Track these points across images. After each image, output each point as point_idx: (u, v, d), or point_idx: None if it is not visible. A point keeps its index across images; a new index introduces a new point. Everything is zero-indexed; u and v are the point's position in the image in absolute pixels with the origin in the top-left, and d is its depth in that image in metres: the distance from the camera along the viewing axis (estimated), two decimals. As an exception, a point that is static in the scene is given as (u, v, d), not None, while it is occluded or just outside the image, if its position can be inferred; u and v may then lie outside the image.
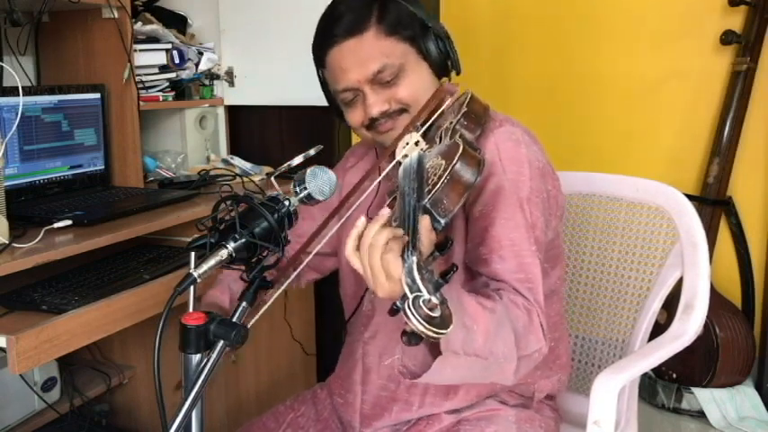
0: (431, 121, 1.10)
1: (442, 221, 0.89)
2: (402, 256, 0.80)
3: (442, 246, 0.85)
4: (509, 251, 1.07)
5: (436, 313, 0.74)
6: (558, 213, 1.20)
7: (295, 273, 1.05)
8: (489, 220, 1.08)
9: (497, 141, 1.12)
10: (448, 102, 1.12)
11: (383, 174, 1.07)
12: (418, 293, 0.75)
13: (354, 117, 1.19)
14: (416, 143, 1.07)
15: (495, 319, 0.95)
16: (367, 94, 1.15)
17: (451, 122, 1.08)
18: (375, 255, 0.85)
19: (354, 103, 1.18)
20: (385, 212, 0.89)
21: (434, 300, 0.74)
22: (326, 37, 1.16)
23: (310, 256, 1.07)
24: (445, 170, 0.90)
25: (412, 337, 0.79)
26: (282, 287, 1.02)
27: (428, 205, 0.87)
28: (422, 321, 0.73)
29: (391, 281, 0.84)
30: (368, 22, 1.13)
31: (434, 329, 0.74)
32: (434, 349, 0.91)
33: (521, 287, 1.05)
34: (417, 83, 1.16)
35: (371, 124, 1.17)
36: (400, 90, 1.15)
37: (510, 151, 1.11)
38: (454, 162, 0.90)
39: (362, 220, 0.90)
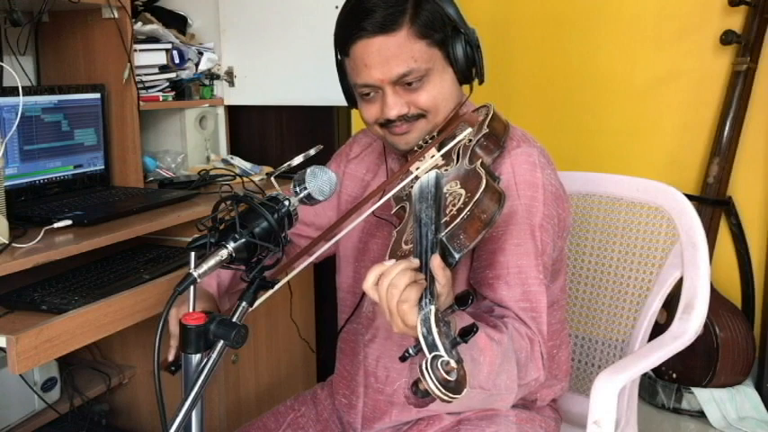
0: (453, 143, 1.05)
1: (457, 256, 0.86)
2: (419, 303, 0.78)
3: (463, 300, 0.82)
4: (516, 278, 1.06)
5: (452, 377, 0.71)
6: (564, 234, 1.20)
7: (291, 275, 1.04)
8: (499, 243, 1.07)
9: (514, 164, 1.10)
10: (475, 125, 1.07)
11: (397, 188, 1.04)
12: (437, 353, 0.72)
13: (370, 113, 1.16)
14: (432, 157, 1.04)
15: (500, 352, 0.95)
16: (387, 94, 1.11)
17: (471, 141, 1.04)
18: (393, 298, 0.82)
19: (372, 100, 1.15)
20: (414, 263, 0.85)
21: (452, 363, 0.71)
22: (354, 28, 1.10)
23: (309, 260, 1.06)
24: (465, 204, 0.87)
25: (421, 393, 0.75)
26: (282, 283, 1.00)
27: (444, 239, 0.85)
28: (437, 385, 0.71)
29: (408, 328, 0.82)
30: (401, 21, 1.08)
31: (449, 394, 0.71)
32: None
33: (525, 316, 1.05)
34: (439, 89, 1.13)
35: (386, 124, 1.14)
36: (422, 96, 1.12)
37: (526, 175, 1.10)
38: (477, 197, 0.87)
39: (389, 262, 0.87)
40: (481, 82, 1.19)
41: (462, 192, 0.90)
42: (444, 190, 0.92)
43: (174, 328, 1.12)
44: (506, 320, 1.03)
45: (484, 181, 0.89)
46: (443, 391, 0.71)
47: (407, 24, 1.09)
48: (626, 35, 2.39)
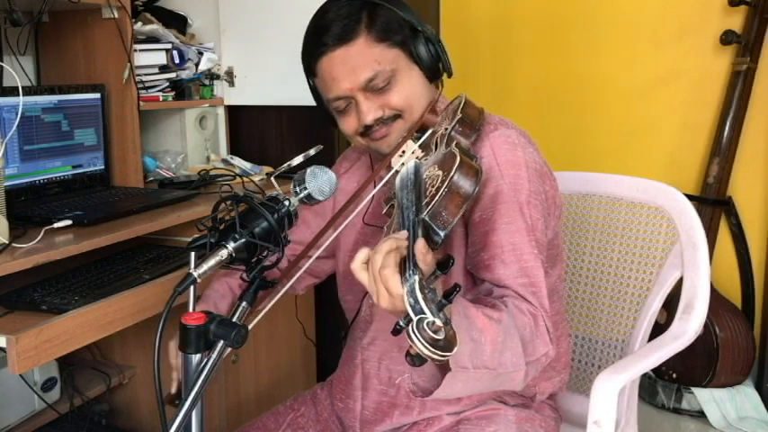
0: (428, 134, 1.09)
1: (442, 234, 0.88)
2: (403, 274, 0.79)
3: (444, 264, 0.84)
4: (511, 256, 1.06)
5: (440, 335, 0.73)
6: (556, 213, 1.20)
7: (293, 279, 1.05)
8: (489, 225, 1.08)
9: (493, 145, 1.12)
10: (443, 108, 1.11)
11: (380, 185, 1.07)
12: (422, 315, 0.73)
13: (348, 125, 1.18)
14: (413, 152, 1.07)
15: (502, 330, 0.95)
16: (360, 101, 1.14)
17: (447, 129, 1.07)
18: (375, 265, 0.84)
19: (348, 111, 1.17)
20: (403, 235, 0.87)
21: (438, 322, 0.73)
22: (316, 46, 1.14)
23: (309, 262, 1.07)
24: (443, 182, 0.89)
25: (416, 359, 0.77)
26: (280, 293, 1.02)
27: (427, 218, 0.87)
28: (426, 345, 0.72)
29: (392, 296, 0.83)
30: (357, 30, 1.12)
31: (439, 352, 0.73)
32: (443, 364, 0.91)
33: (525, 292, 1.05)
34: (410, 88, 1.15)
35: (366, 131, 1.16)
36: (393, 96, 1.14)
37: (507, 155, 1.11)
38: (452, 174, 0.90)
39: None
40: (450, 75, 1.20)
41: (440, 173, 0.92)
42: (424, 176, 0.93)
43: (174, 361, 1.13)
44: (506, 300, 1.03)
45: (458, 158, 0.92)
46: (432, 350, 0.72)
47: (364, 32, 1.12)
48: (626, 35, 2.39)
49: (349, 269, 1.30)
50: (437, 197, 0.88)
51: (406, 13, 1.16)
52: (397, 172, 1.02)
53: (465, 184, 0.90)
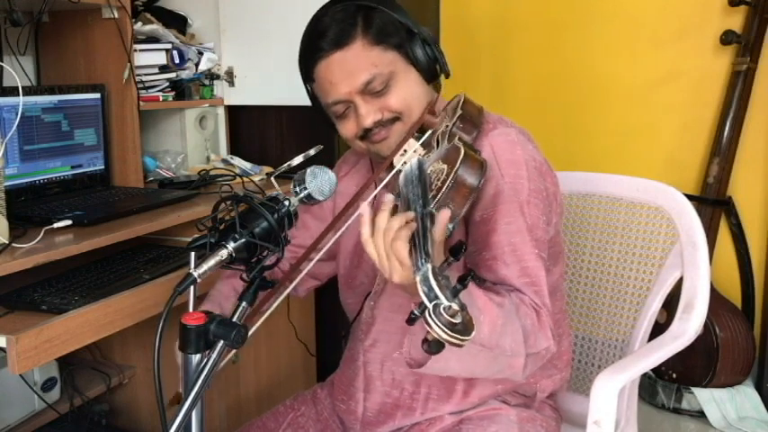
0: (429, 133, 1.09)
1: (450, 226, 0.89)
2: (416, 263, 0.79)
3: (457, 250, 0.85)
4: (511, 256, 1.07)
5: (458, 319, 0.73)
6: (558, 210, 1.20)
7: (294, 282, 1.05)
8: (490, 224, 1.08)
9: (493, 144, 1.12)
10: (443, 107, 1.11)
11: (382, 184, 1.07)
12: (437, 301, 0.74)
13: (347, 129, 1.18)
14: (415, 150, 1.07)
15: (502, 313, 0.96)
16: (358, 105, 1.14)
17: (447, 126, 1.07)
18: (389, 239, 0.86)
19: (346, 115, 1.17)
20: (389, 198, 0.89)
21: (455, 306, 0.73)
22: (313, 51, 1.14)
23: (310, 265, 1.07)
24: (448, 174, 0.90)
25: (433, 345, 0.77)
26: (282, 296, 1.02)
27: (434, 211, 0.87)
28: (444, 329, 0.72)
29: (406, 267, 0.85)
30: (353, 33, 1.12)
31: (458, 336, 0.73)
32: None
33: (527, 290, 1.06)
34: (408, 90, 1.15)
35: (365, 135, 1.16)
36: (392, 98, 1.14)
37: (506, 153, 1.11)
38: (457, 166, 0.90)
39: (365, 207, 0.90)
40: (447, 76, 1.20)
41: (444, 166, 0.92)
42: (428, 171, 0.94)
43: (180, 360, 1.12)
44: (510, 292, 1.05)
45: (462, 150, 0.92)
46: (451, 333, 0.72)
47: (360, 35, 1.12)
48: (626, 35, 2.39)
49: (350, 272, 1.31)
50: (443, 190, 0.89)
51: (402, 15, 1.15)
52: (399, 171, 1.02)
53: (470, 176, 0.91)
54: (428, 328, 0.73)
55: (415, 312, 0.77)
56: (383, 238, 0.87)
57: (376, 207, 1.11)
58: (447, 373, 1.13)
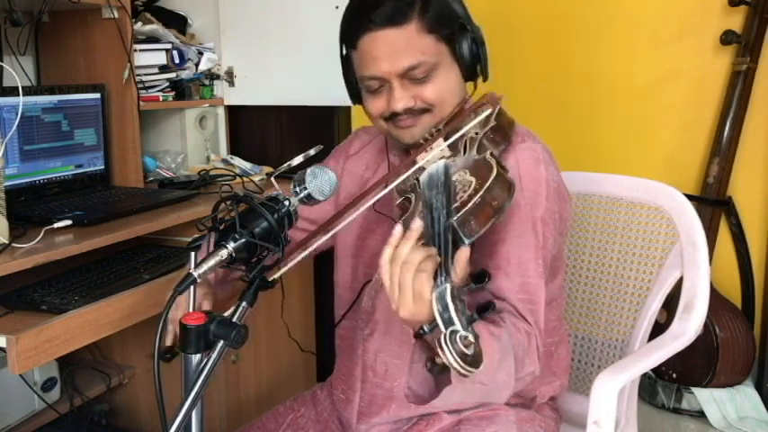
0: (460, 133, 1.06)
1: (467, 242, 0.87)
2: (435, 279, 0.78)
3: (480, 278, 0.83)
4: (515, 270, 1.06)
5: (470, 351, 0.72)
6: (564, 233, 1.20)
7: (290, 265, 1.03)
8: (501, 235, 1.07)
9: (518, 158, 1.10)
10: (483, 114, 1.08)
11: (402, 177, 1.04)
12: (453, 328, 0.72)
13: (375, 106, 1.16)
14: (441, 150, 1.04)
15: (499, 348, 0.95)
16: (395, 87, 1.11)
17: (477, 133, 1.05)
18: (407, 273, 0.83)
19: (379, 93, 1.14)
20: (418, 226, 0.86)
21: (471, 337, 0.72)
22: (362, 20, 1.11)
23: (308, 251, 1.05)
24: (476, 191, 0.88)
25: (437, 367, 0.77)
26: (281, 271, 0.99)
27: (455, 223, 0.85)
28: (457, 358, 0.71)
29: (419, 303, 0.82)
30: (410, 14, 1.09)
31: (467, 367, 0.72)
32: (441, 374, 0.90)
33: (522, 308, 1.05)
34: (446, 84, 1.13)
35: (391, 117, 1.14)
36: (428, 89, 1.12)
37: (530, 169, 1.10)
38: (488, 185, 0.88)
39: (399, 228, 0.88)
40: (485, 79, 1.19)
41: (473, 179, 0.90)
42: (453, 179, 0.92)
43: (173, 313, 1.09)
44: (504, 315, 1.03)
45: (495, 169, 0.90)
46: (462, 363, 0.71)
47: (416, 18, 1.09)
48: (626, 35, 2.39)
49: (346, 251, 1.29)
50: (469, 205, 0.87)
51: (460, 7, 1.13)
52: (421, 169, 1.00)
53: (499, 198, 0.89)
54: (440, 353, 0.72)
55: (425, 329, 0.76)
56: (400, 268, 0.84)
57: (387, 194, 1.07)
58: (443, 408, 1.13)
